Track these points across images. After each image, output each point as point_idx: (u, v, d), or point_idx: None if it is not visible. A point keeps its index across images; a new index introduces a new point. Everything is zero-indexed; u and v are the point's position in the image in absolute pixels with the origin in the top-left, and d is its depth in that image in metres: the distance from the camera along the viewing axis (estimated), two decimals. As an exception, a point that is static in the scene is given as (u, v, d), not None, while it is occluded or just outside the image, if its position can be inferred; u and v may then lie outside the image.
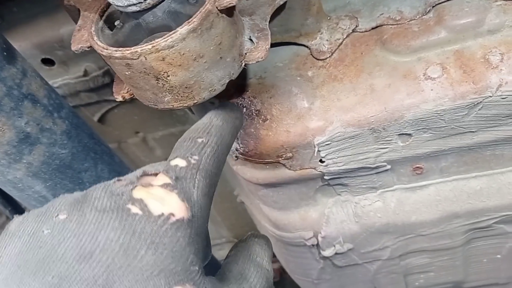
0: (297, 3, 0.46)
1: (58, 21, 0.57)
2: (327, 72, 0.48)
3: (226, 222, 0.92)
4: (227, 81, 0.39)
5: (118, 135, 0.73)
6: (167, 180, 0.33)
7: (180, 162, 0.34)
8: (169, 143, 0.76)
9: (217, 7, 0.35)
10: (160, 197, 0.31)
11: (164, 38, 0.34)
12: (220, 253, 0.99)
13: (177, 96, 0.38)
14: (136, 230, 0.29)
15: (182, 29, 0.34)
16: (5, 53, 0.40)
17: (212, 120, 0.38)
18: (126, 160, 0.78)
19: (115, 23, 0.39)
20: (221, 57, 0.38)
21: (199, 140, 0.36)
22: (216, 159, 0.36)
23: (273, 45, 0.49)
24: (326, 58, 0.49)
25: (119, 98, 0.42)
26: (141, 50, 0.34)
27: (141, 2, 0.35)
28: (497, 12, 0.44)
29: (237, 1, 0.35)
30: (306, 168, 0.51)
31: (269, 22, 0.44)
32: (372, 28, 0.48)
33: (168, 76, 0.36)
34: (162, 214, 0.30)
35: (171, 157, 0.35)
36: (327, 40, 0.49)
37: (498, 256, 0.63)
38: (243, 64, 0.40)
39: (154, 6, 0.36)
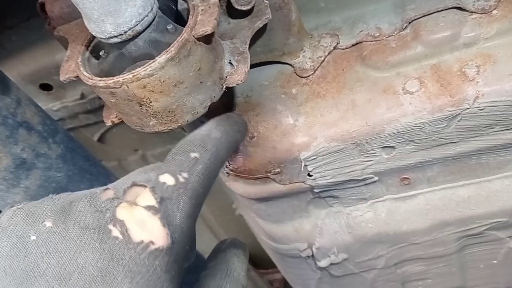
0: (278, 24, 0.47)
1: (54, 47, 0.59)
2: (310, 89, 0.50)
3: (228, 234, 0.93)
4: (209, 103, 0.41)
5: (118, 153, 0.75)
6: (152, 201, 0.32)
7: (168, 180, 0.33)
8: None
9: (194, 36, 0.37)
10: (142, 221, 0.31)
11: (143, 68, 0.36)
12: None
13: (161, 120, 0.40)
14: (115, 255, 0.29)
15: (161, 58, 0.36)
16: (-1, 85, 0.43)
17: (211, 131, 0.38)
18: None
19: (100, 53, 0.41)
20: (201, 82, 0.39)
21: (192, 155, 0.35)
22: (206, 177, 0.35)
23: (257, 64, 0.51)
24: (309, 76, 0.50)
25: (108, 123, 0.44)
26: (122, 79, 0.36)
27: (122, 34, 0.37)
28: (472, 26, 0.45)
29: (213, 30, 0.37)
30: (295, 182, 0.52)
31: (252, 43, 0.45)
32: (353, 45, 0.50)
33: (151, 102, 0.38)
34: (142, 241, 0.30)
35: (160, 171, 0.34)
36: (309, 58, 0.50)
37: (495, 261, 0.64)
38: (224, 87, 0.42)
39: (134, 37, 0.37)
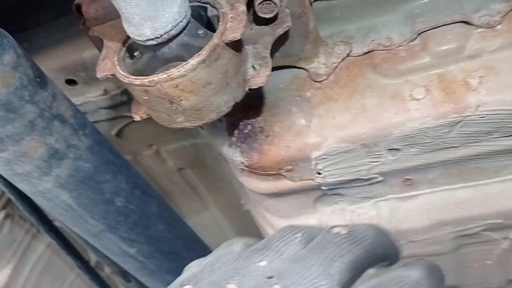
0: (296, 32, 0.51)
1: (81, 46, 0.62)
2: (323, 93, 0.53)
3: (234, 229, 0.97)
4: (233, 103, 0.45)
5: (133, 147, 0.79)
6: None
7: None
8: (181, 155, 0.81)
9: (223, 41, 0.41)
10: None
11: (177, 68, 0.40)
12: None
13: (188, 117, 0.44)
14: None
15: (193, 61, 0.40)
16: (38, 79, 0.46)
17: (425, 278, 0.35)
18: (140, 170, 0.84)
19: (135, 54, 0.45)
20: (227, 84, 0.43)
21: None
22: None
23: (275, 68, 0.55)
24: (322, 80, 0.54)
25: (137, 118, 0.48)
26: (157, 79, 0.40)
27: (158, 38, 0.40)
28: (477, 39, 0.49)
29: (241, 36, 0.40)
30: (305, 180, 0.56)
31: (272, 49, 0.49)
32: (365, 53, 0.53)
33: (181, 100, 0.42)
34: None
35: None
36: (323, 64, 0.54)
37: (489, 261, 0.67)
38: (247, 89, 0.45)
39: (169, 40, 0.41)
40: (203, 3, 0.45)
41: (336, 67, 0.54)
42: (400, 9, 0.53)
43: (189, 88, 0.41)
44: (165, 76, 0.40)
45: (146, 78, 0.40)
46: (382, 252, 0.36)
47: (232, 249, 0.36)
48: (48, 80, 0.48)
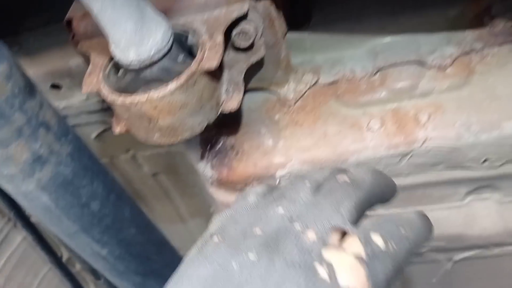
0: (269, 60, 0.56)
1: (68, 53, 0.66)
2: (290, 117, 0.58)
3: (202, 232, 1.00)
4: (205, 124, 0.49)
5: (111, 151, 0.82)
6: (361, 252, 0.32)
7: (379, 241, 0.33)
8: (156, 161, 0.85)
9: (200, 69, 0.45)
10: (349, 268, 0.31)
11: (156, 91, 0.44)
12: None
13: (164, 135, 0.48)
14: None
15: (172, 85, 0.44)
16: (28, 89, 0.50)
17: (419, 220, 0.38)
18: (116, 172, 0.87)
19: (118, 73, 0.49)
20: (201, 106, 0.47)
21: (402, 230, 0.35)
22: (408, 257, 0.35)
23: (248, 90, 0.59)
24: (291, 105, 0.59)
25: (117, 131, 0.52)
26: (138, 99, 0.44)
27: (141, 62, 0.44)
28: (429, 79, 0.54)
29: (217, 66, 0.45)
30: (270, 195, 0.60)
31: (246, 75, 0.54)
32: (330, 83, 0.58)
33: (158, 120, 0.46)
34: (348, 287, 0.30)
35: (369, 226, 0.34)
36: (293, 90, 0.59)
37: (434, 280, 0.73)
38: (219, 112, 0.50)
39: (151, 64, 0.45)
40: (184, 30, 0.49)
41: (303, 93, 0.59)
42: (364, 45, 0.58)
43: (166, 109, 0.45)
44: (145, 98, 0.44)
45: (127, 98, 0.44)
46: (380, 192, 0.41)
47: (248, 201, 0.40)
48: (36, 89, 0.52)
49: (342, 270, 0.31)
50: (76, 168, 0.56)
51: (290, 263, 0.31)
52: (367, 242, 0.33)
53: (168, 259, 0.76)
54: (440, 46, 0.55)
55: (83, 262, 0.82)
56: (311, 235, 0.33)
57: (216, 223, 0.39)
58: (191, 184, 0.89)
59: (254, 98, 0.60)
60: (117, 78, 0.49)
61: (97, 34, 0.53)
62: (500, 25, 0.54)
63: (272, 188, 0.42)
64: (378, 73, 0.56)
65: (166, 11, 0.50)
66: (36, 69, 0.67)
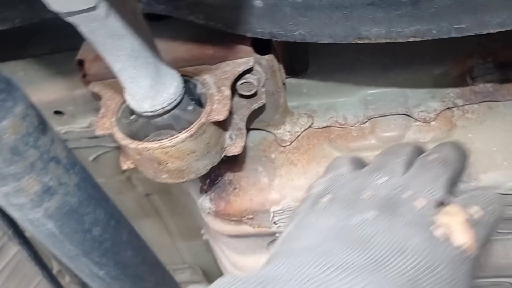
0: (269, 105, 0.60)
1: (73, 83, 0.69)
2: (286, 156, 0.62)
3: (190, 251, 1.04)
4: (210, 167, 0.53)
5: (107, 172, 0.85)
6: (468, 217, 0.37)
7: (479, 212, 0.38)
8: (150, 183, 0.87)
9: (209, 120, 0.49)
10: (462, 228, 0.35)
11: (168, 140, 0.48)
12: (181, 277, 1.11)
13: (171, 176, 0.51)
14: (437, 250, 0.33)
15: (183, 135, 0.48)
16: (41, 126, 0.53)
17: (496, 197, 0.41)
18: (110, 192, 0.90)
19: (131, 117, 0.52)
20: (208, 152, 0.51)
21: (489, 203, 0.39)
22: (494, 230, 0.39)
23: (247, 129, 0.63)
24: (286, 146, 0.63)
25: (125, 167, 0.55)
26: (150, 146, 0.48)
27: (154, 111, 0.48)
28: (415, 131, 0.59)
29: (225, 118, 0.49)
30: (263, 227, 0.64)
31: (248, 119, 0.58)
32: (323, 127, 0.63)
33: (168, 163, 0.50)
34: (461, 246, 0.34)
35: (468, 200, 0.39)
36: (288, 131, 0.63)
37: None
38: (223, 155, 0.53)
39: (163, 113, 0.49)
40: (194, 78, 0.53)
41: (299, 135, 0.63)
42: (356, 94, 0.63)
43: (176, 155, 0.49)
44: (157, 145, 0.47)
45: (140, 144, 0.48)
46: (461, 167, 0.46)
47: (343, 171, 0.44)
48: (48, 125, 0.55)
49: (456, 230, 0.35)
50: (82, 198, 0.59)
51: (409, 223, 0.34)
52: (469, 209, 0.37)
53: (159, 279, 0.80)
54: (425, 100, 0.60)
55: (73, 275, 0.84)
56: (420, 203, 0.37)
57: (318, 187, 0.43)
58: (182, 205, 0.92)
59: (253, 137, 0.64)
60: (129, 121, 0.52)
61: (109, 77, 0.56)
62: (480, 85, 0.59)
63: (360, 161, 0.47)
64: (368, 122, 0.61)
65: (177, 60, 0.54)
66: (41, 96, 0.69)
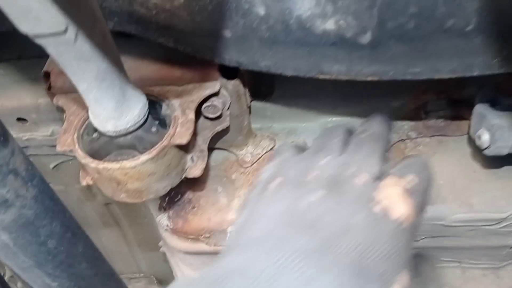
0: (233, 126, 0.61)
1: (38, 92, 0.68)
2: (246, 178, 0.64)
3: (147, 260, 1.04)
4: (169, 188, 0.54)
5: (67, 180, 0.84)
6: (405, 187, 0.38)
7: (414, 179, 0.39)
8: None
9: (171, 143, 0.50)
10: (400, 199, 0.37)
11: (129, 161, 0.48)
12: (136, 286, 1.10)
13: (130, 196, 0.52)
14: (377, 226, 0.35)
15: (144, 157, 0.48)
16: (1, 138, 0.52)
17: (425, 163, 0.43)
18: (68, 200, 0.89)
19: (93, 135, 0.52)
20: (168, 173, 0.52)
21: (421, 170, 0.41)
22: (429, 195, 0.41)
23: (210, 149, 0.64)
24: (247, 167, 0.64)
25: (84, 183, 0.55)
26: (110, 166, 0.48)
27: (117, 131, 0.48)
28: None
29: (187, 142, 0.50)
30: (219, 246, 0.65)
31: (212, 140, 0.59)
32: (284, 151, 0.64)
33: (127, 184, 0.50)
34: (399, 218, 0.36)
35: (403, 170, 0.40)
36: (250, 153, 0.65)
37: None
38: (183, 177, 0.54)
39: (126, 134, 0.49)
40: (159, 99, 0.53)
41: (260, 157, 0.65)
42: (317, 120, 0.65)
43: (136, 176, 0.49)
44: (118, 165, 0.48)
45: (101, 163, 0.48)
46: (388, 136, 0.47)
47: (287, 155, 0.45)
48: (10, 137, 0.54)
49: (394, 202, 0.36)
50: (39, 210, 0.59)
51: (352, 201, 0.36)
52: (405, 179, 0.39)
53: (113, 291, 0.79)
54: (381, 130, 0.63)
55: (24, 282, 0.83)
56: (360, 180, 0.38)
57: (266, 172, 0.44)
58: (141, 215, 0.92)
59: (215, 156, 0.65)
60: (92, 139, 0.52)
61: (74, 91, 0.56)
62: (432, 119, 0.62)
63: (302, 147, 0.48)
64: (327, 148, 0.63)
65: (144, 79, 0.54)
66: (4, 102, 0.68)
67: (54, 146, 0.75)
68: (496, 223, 0.57)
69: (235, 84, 0.56)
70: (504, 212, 0.56)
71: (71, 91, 0.56)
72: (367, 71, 0.46)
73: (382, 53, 0.43)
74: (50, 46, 0.39)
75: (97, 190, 0.88)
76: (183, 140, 0.49)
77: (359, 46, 0.43)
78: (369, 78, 0.47)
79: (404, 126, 0.63)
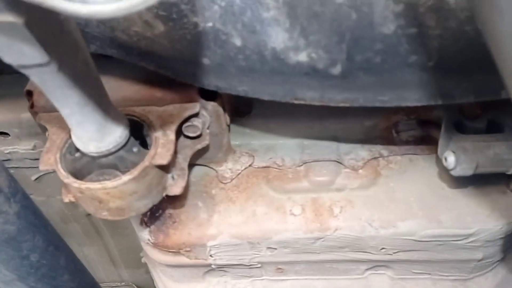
0: (212, 144, 0.63)
1: (20, 107, 0.69)
2: (225, 193, 0.66)
3: (128, 268, 1.05)
4: (150, 206, 0.55)
5: (49, 191, 0.85)
6: None
7: None
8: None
9: (152, 163, 0.51)
10: None
11: (111, 181, 0.50)
12: (118, 293, 1.12)
13: (112, 213, 0.53)
14: None
15: (125, 177, 0.50)
16: (-16, 157, 0.53)
17: None
18: (50, 210, 0.90)
19: (76, 155, 0.54)
20: (149, 192, 0.54)
21: None
22: None
23: (190, 165, 0.66)
24: (227, 183, 0.66)
25: (66, 200, 0.57)
26: (93, 187, 0.50)
27: (99, 153, 0.50)
28: (344, 177, 0.65)
29: (168, 163, 0.51)
30: (199, 259, 0.67)
31: (192, 157, 0.61)
32: (263, 167, 0.67)
33: (109, 202, 0.52)
34: None
35: None
36: (230, 169, 0.67)
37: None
38: (164, 195, 0.56)
39: (107, 155, 0.51)
40: (140, 119, 0.55)
41: (239, 173, 0.67)
42: (294, 138, 0.67)
43: (118, 195, 0.51)
44: (99, 186, 0.50)
45: (83, 184, 0.50)
46: None
47: None
48: (-8, 155, 0.55)
49: None
50: (21, 225, 0.60)
51: None
52: None
53: (95, 301, 0.81)
54: (355, 149, 0.66)
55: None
56: None
57: None
58: (123, 226, 0.93)
59: (195, 172, 0.67)
60: (74, 158, 0.54)
61: (56, 110, 0.58)
62: (403, 138, 0.65)
63: None
64: (303, 165, 0.66)
65: (126, 99, 0.56)
66: (-13, 117, 0.69)
67: (36, 159, 0.77)
68: (464, 239, 0.61)
69: (214, 105, 0.58)
70: (471, 228, 0.60)
71: (53, 110, 0.57)
72: (338, 98, 0.48)
73: (352, 83, 0.46)
74: (33, 75, 0.40)
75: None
76: (164, 160, 0.51)
77: (330, 76, 0.45)
78: (341, 104, 0.49)
79: (377, 144, 0.66)
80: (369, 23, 0.40)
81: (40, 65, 0.39)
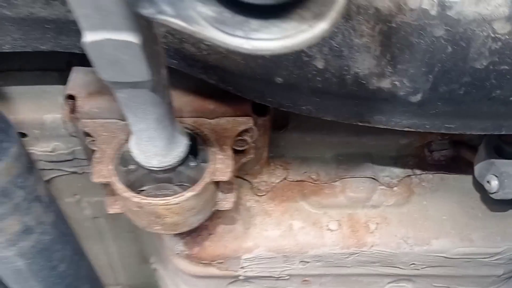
0: (254, 158, 0.63)
1: (43, 108, 0.65)
2: (261, 206, 0.65)
3: (126, 271, 1.02)
4: (202, 221, 0.54)
5: (57, 194, 0.81)
6: None
7: None
8: (100, 207, 0.86)
9: (212, 179, 0.50)
10: None
11: (174, 198, 0.48)
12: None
13: (165, 228, 0.52)
14: None
15: (188, 194, 0.49)
16: (29, 166, 0.50)
17: None
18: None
19: (129, 166, 0.52)
20: (204, 207, 0.53)
21: None
22: None
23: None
24: (262, 195, 0.66)
25: (111, 211, 0.55)
26: (155, 202, 0.48)
27: (161, 167, 0.49)
28: (380, 194, 0.66)
29: (228, 179, 0.51)
30: (230, 271, 0.67)
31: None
32: (298, 181, 0.67)
33: (166, 217, 0.50)
34: None
35: None
36: (264, 181, 0.67)
37: None
38: (214, 209, 0.55)
39: (169, 170, 0.49)
40: (195, 133, 0.54)
41: (274, 186, 0.67)
42: (330, 152, 0.68)
43: (177, 211, 0.50)
44: (162, 202, 0.48)
45: (144, 199, 0.48)
46: None
47: None
48: (34, 165, 0.52)
49: None
50: (55, 235, 0.57)
51: None
52: None
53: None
54: (389, 166, 0.67)
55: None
56: None
57: None
58: (129, 229, 0.90)
59: (230, 184, 0.66)
60: (127, 170, 0.52)
61: (101, 117, 0.55)
62: (435, 158, 0.67)
63: None
64: (339, 181, 0.66)
65: (177, 110, 0.54)
66: (8, 114, 0.65)
67: (52, 161, 0.73)
68: (491, 256, 0.64)
69: (265, 120, 0.57)
70: (500, 247, 0.63)
71: (97, 117, 0.55)
72: (405, 123, 0.49)
73: (426, 111, 0.47)
74: (124, 92, 0.38)
75: (87, 204, 0.86)
76: (225, 177, 0.50)
77: (407, 103, 0.46)
78: (405, 129, 0.50)
79: (410, 163, 0.68)
80: (463, 57, 0.41)
81: (140, 83, 0.37)
